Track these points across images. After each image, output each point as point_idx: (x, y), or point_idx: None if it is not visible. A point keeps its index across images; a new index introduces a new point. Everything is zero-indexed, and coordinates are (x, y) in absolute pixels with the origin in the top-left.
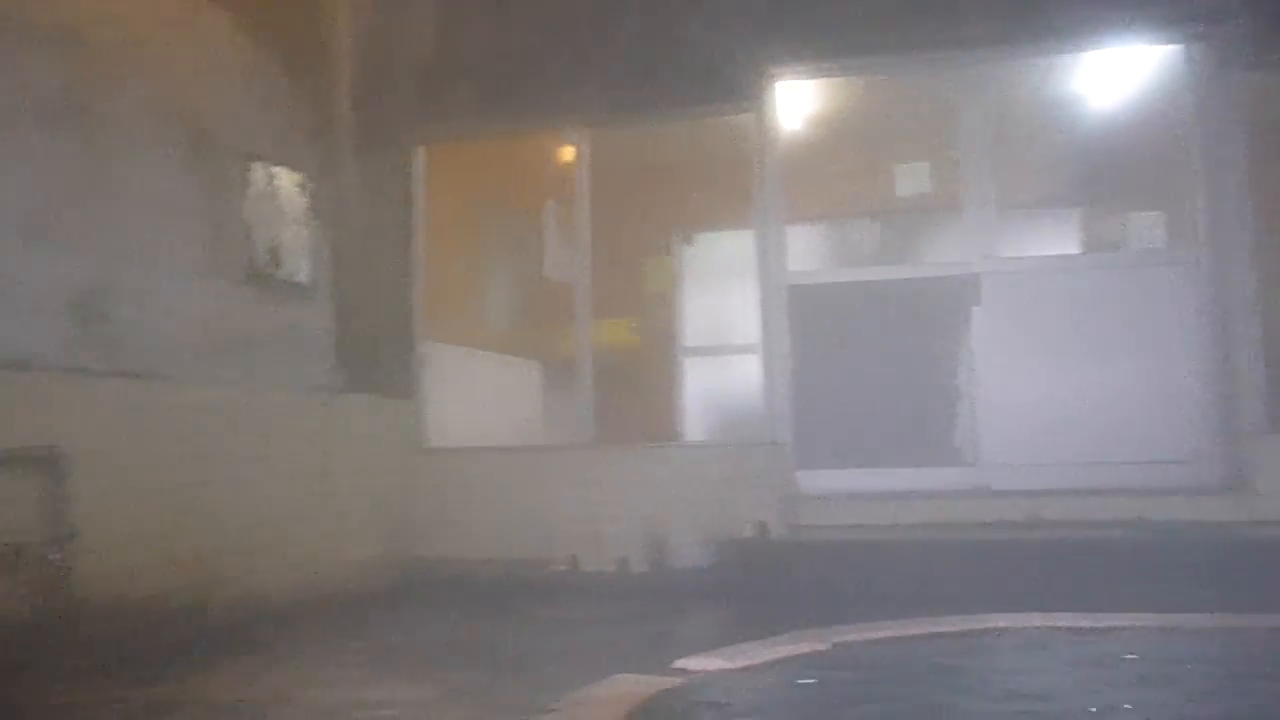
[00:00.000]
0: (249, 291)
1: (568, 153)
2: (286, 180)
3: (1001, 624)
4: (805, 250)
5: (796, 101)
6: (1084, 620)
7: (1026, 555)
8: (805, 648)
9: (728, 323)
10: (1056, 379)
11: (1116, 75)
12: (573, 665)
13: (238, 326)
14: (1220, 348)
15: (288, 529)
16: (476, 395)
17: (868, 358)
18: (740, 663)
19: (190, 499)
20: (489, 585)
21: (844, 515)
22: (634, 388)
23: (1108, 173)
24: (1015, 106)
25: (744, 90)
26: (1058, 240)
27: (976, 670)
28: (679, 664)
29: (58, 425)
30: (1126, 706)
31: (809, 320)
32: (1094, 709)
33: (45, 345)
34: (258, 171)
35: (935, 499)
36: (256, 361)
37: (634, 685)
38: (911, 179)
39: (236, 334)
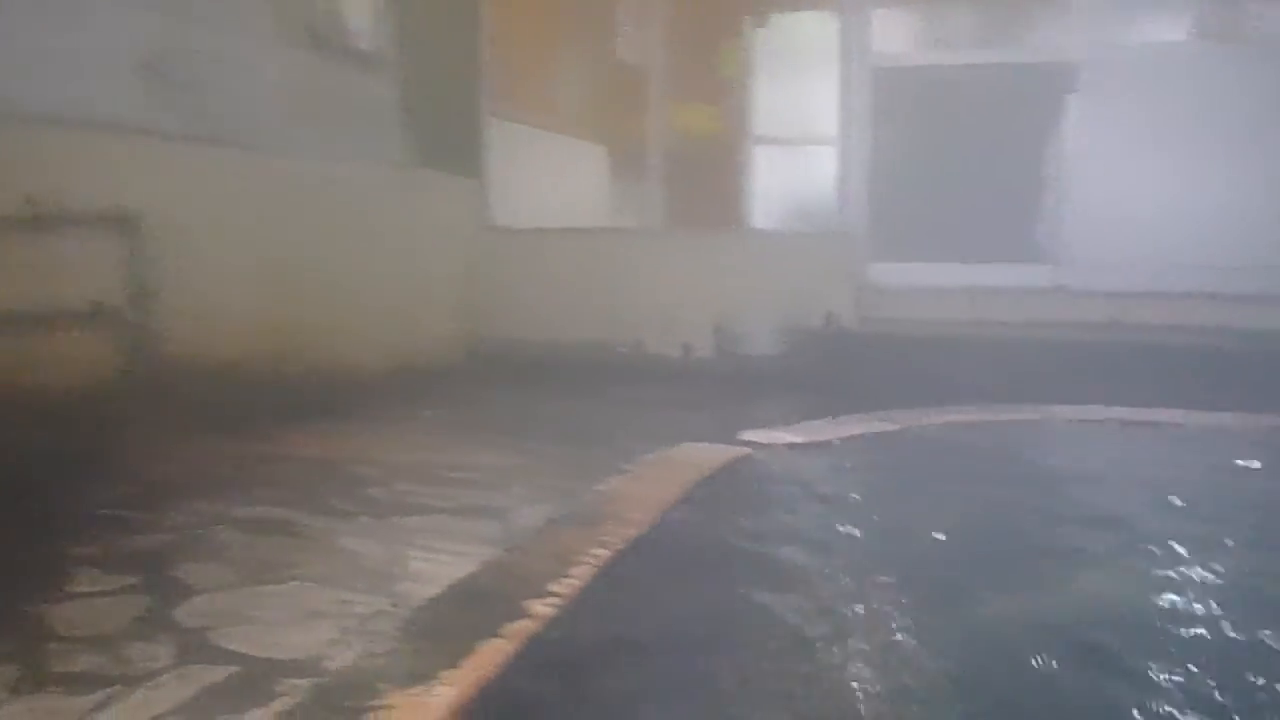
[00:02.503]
0: (314, 58)
1: None
2: None
3: (1065, 415)
4: (888, 33)
5: None
6: (1143, 415)
7: (1104, 357)
8: (874, 428)
9: (805, 111)
10: (1151, 177)
11: None
12: (645, 439)
13: (304, 95)
14: None
15: (364, 301)
16: (543, 177)
17: (951, 147)
18: (808, 438)
19: (270, 268)
20: (555, 364)
21: (917, 309)
22: (704, 175)
23: None
24: None
25: None
26: (1170, 27)
27: (1033, 452)
28: (747, 436)
29: (132, 188)
30: (1177, 502)
31: (891, 106)
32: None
33: (116, 106)
34: None
35: (1012, 296)
36: (324, 132)
37: (703, 453)
38: None
39: (303, 103)
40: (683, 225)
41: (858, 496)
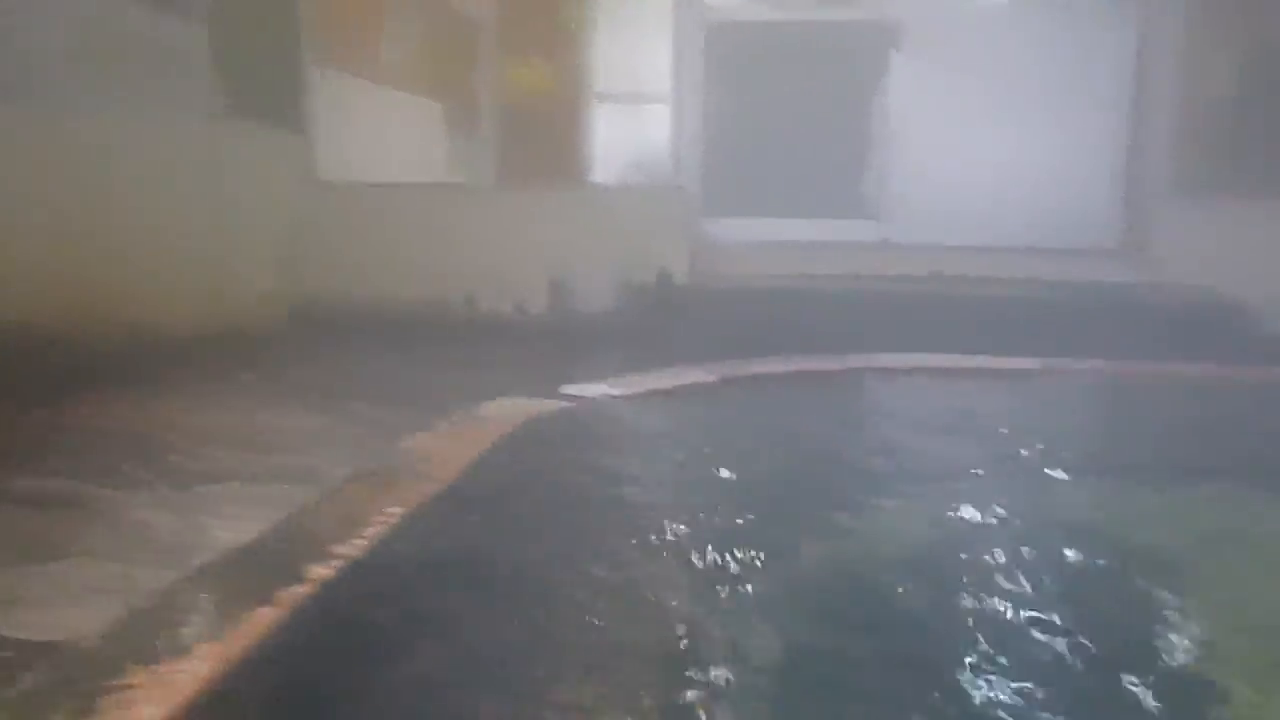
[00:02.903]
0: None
1: None
2: None
3: (884, 363)
4: None
5: None
6: (962, 361)
7: (925, 308)
8: (692, 379)
9: (642, 68)
10: (971, 134)
11: None
12: (469, 397)
13: (98, 40)
14: (1135, 106)
15: (174, 261)
16: (374, 132)
17: (783, 104)
18: (627, 390)
19: (66, 225)
20: (384, 324)
21: (749, 263)
22: (541, 131)
23: None
24: None
25: None
26: None
27: (854, 397)
28: (566, 390)
29: None
30: (994, 439)
31: (724, 63)
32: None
33: None
34: None
35: (841, 250)
36: (123, 81)
37: (519, 407)
38: None
39: (98, 49)
40: (518, 181)
41: (672, 446)
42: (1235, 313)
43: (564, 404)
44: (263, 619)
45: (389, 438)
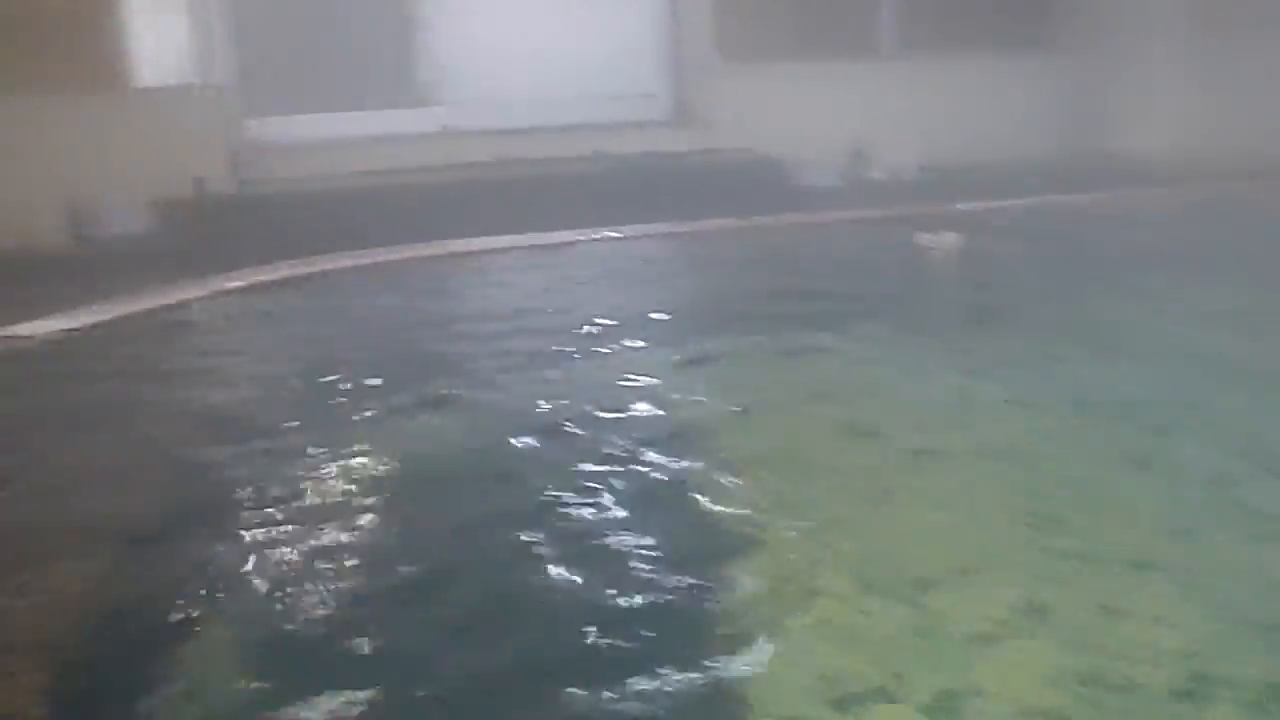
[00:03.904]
0: None
1: None
2: None
3: (436, 250)
4: None
5: None
6: (529, 239)
7: (492, 192)
8: (178, 297)
9: None
10: (517, 14)
11: None
12: None
13: None
14: None
15: None
16: None
17: None
18: (88, 321)
19: None
20: None
21: (299, 165)
22: (47, 33)
23: None
24: None
25: None
26: None
27: (407, 286)
28: (11, 330)
29: None
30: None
31: None
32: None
33: None
34: None
35: (400, 142)
36: None
37: None
38: None
39: None
40: (17, 91)
41: (103, 377)
42: (774, 170)
43: None
44: None
45: None
